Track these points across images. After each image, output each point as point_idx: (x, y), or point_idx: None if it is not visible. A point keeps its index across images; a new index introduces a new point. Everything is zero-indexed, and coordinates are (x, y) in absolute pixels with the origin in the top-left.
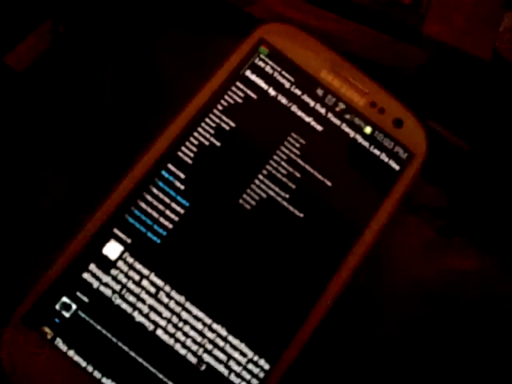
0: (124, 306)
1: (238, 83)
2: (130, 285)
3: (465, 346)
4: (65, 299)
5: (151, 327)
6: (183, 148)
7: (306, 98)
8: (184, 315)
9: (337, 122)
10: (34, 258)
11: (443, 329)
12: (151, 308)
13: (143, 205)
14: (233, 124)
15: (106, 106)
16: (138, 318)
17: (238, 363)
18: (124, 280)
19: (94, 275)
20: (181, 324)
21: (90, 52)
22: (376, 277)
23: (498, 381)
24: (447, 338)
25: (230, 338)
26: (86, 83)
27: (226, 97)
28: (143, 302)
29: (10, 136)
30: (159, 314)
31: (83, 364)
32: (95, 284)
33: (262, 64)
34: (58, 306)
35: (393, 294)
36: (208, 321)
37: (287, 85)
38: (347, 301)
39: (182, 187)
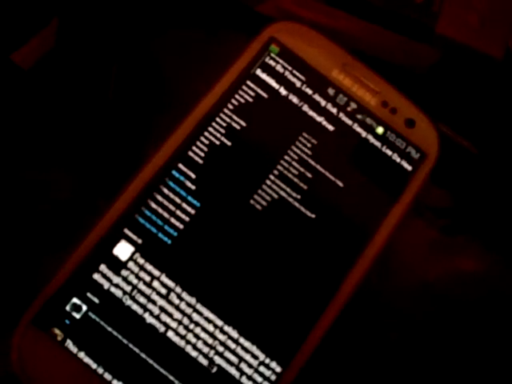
0: (135, 307)
1: (249, 82)
2: (141, 286)
3: (472, 345)
4: (75, 300)
5: (162, 329)
6: (194, 148)
7: (317, 97)
8: (195, 317)
9: (348, 121)
10: (42, 259)
11: (451, 329)
12: (162, 309)
13: (154, 205)
14: (244, 123)
15: (110, 104)
16: (149, 319)
17: (250, 365)
18: (135, 281)
19: (104, 276)
20: (192, 326)
21: (93, 51)
22: (384, 278)
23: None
24: (455, 338)
25: (242, 340)
26: (89, 82)
27: (237, 96)
28: (154, 303)
29: (14, 134)
30: (170, 315)
31: (93, 366)
32: (106, 285)
33: (272, 63)
34: (68, 307)
35: (400, 295)
36: (219, 323)
37: (298, 84)
38: (356, 303)
39: (193, 187)
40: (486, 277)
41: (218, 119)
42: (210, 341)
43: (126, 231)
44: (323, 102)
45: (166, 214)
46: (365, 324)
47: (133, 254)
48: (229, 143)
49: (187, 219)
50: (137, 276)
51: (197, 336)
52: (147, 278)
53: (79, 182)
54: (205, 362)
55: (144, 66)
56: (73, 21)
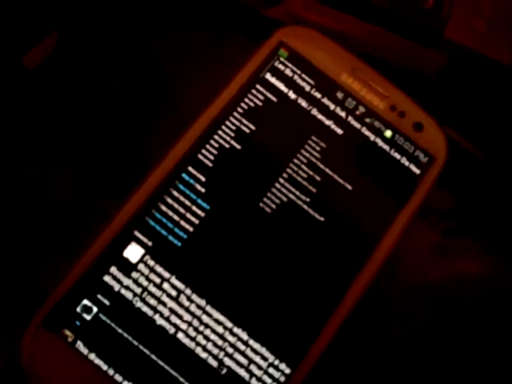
0: (145, 309)
1: (258, 86)
2: (151, 288)
3: (476, 346)
4: (86, 302)
5: (172, 330)
6: (204, 151)
7: (326, 101)
8: (205, 319)
9: (357, 125)
10: (42, 260)
11: (455, 331)
12: (172, 311)
13: (164, 207)
14: (253, 127)
15: (111, 103)
16: (159, 321)
17: (259, 367)
18: (145, 283)
19: (115, 278)
20: (202, 327)
21: (94, 51)
22: (393, 282)
23: None
24: (459, 340)
25: (251, 342)
26: (91, 82)
27: (246, 100)
28: (164, 305)
29: (14, 134)
30: (180, 317)
31: (104, 367)
32: (116, 287)
33: (281, 67)
34: (78, 309)
35: (405, 298)
36: (229, 324)
37: (307, 88)
38: (364, 306)
39: (203, 190)
40: (489, 279)
41: (227, 122)
42: (219, 342)
43: (137, 233)
44: (332, 106)
45: (175, 217)
46: (373, 327)
47: (143, 256)
48: (238, 146)
49: (197, 222)
50: (147, 278)
51: (206, 338)
52: (157, 280)
53: (80, 182)
54: (214, 363)
55: (144, 67)
56: (74, 22)
